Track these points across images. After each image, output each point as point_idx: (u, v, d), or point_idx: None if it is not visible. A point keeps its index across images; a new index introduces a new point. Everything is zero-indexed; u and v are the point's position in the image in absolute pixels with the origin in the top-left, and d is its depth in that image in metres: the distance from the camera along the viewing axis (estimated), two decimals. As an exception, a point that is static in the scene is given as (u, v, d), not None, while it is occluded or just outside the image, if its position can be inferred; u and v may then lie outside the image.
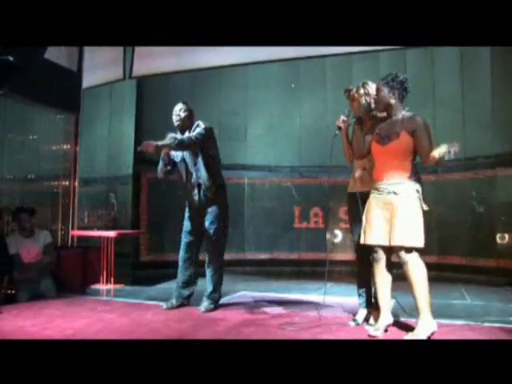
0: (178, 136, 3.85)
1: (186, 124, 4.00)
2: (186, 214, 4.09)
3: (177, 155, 4.05)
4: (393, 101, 3.09)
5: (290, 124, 7.80)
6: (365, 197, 3.23)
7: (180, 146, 3.77)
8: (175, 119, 4.01)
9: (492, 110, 6.23)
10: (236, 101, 7.70)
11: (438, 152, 2.73)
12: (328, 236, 7.19)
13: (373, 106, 3.36)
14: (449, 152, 2.69)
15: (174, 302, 4.02)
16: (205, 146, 3.91)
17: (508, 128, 5.97)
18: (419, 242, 2.90)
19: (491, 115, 6.23)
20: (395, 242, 2.93)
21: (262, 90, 7.75)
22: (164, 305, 4.03)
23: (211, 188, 3.93)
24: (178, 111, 4.01)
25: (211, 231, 3.93)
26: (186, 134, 3.92)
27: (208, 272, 4.00)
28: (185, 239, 4.06)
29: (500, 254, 5.99)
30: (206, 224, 3.94)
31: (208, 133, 3.92)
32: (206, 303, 3.93)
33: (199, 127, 3.92)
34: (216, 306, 3.98)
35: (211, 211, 3.93)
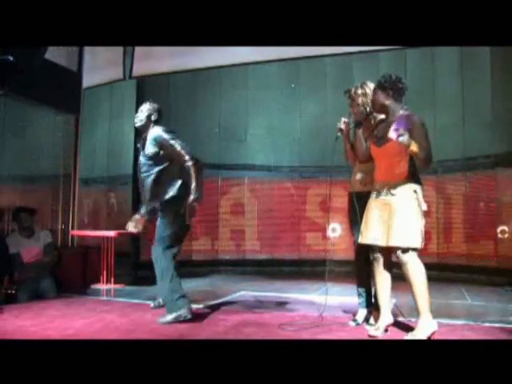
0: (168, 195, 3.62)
1: (146, 124, 3.78)
2: None
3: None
4: (387, 101, 3.09)
5: (289, 124, 7.81)
6: (365, 197, 3.23)
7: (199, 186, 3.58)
8: (135, 120, 3.80)
9: (492, 110, 6.23)
10: (236, 101, 7.71)
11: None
12: (328, 235, 7.20)
13: (368, 108, 3.36)
14: (397, 136, 2.80)
15: (160, 300, 3.97)
16: (160, 160, 3.66)
17: (508, 128, 5.98)
18: (416, 242, 2.90)
19: (491, 115, 6.23)
20: (392, 243, 2.93)
21: (262, 90, 7.75)
22: (151, 303, 4.05)
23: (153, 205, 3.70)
24: (139, 111, 3.81)
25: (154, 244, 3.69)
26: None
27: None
28: None
29: (500, 254, 6.00)
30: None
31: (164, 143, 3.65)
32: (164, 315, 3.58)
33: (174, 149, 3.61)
34: (170, 320, 3.48)
35: (158, 224, 3.69)
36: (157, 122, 3.80)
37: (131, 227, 3.74)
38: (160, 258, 3.57)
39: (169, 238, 3.61)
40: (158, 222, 3.67)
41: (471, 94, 6.49)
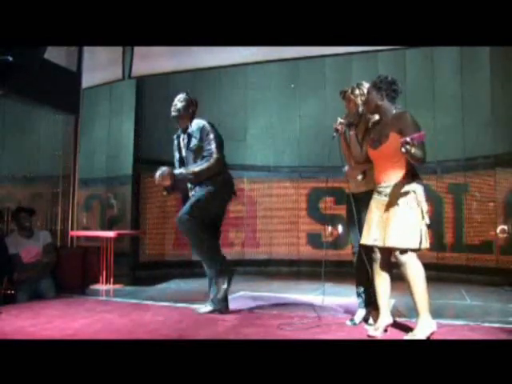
0: (196, 168, 3.67)
1: (184, 115, 3.79)
2: None
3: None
4: (381, 102, 3.08)
5: (289, 124, 7.81)
6: (362, 198, 3.25)
7: (200, 177, 3.67)
8: (172, 109, 3.79)
9: (491, 110, 6.24)
10: (236, 101, 7.71)
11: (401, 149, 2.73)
12: (325, 235, 7.20)
13: (360, 109, 3.36)
14: (404, 144, 2.67)
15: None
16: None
17: (508, 128, 5.98)
18: (414, 243, 2.89)
19: (491, 115, 6.24)
20: (389, 244, 2.93)
21: (262, 90, 7.76)
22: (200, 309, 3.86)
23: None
24: (176, 101, 3.79)
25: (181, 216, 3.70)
26: (198, 163, 3.69)
27: (207, 273, 3.81)
28: None
29: (499, 254, 6.00)
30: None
31: (220, 142, 3.75)
32: (208, 306, 3.74)
33: (209, 141, 3.67)
34: (218, 308, 3.69)
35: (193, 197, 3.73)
36: (193, 115, 3.78)
37: (158, 178, 3.67)
38: (189, 228, 3.61)
39: (198, 209, 3.63)
40: (195, 195, 3.70)
41: (471, 94, 6.50)
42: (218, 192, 3.73)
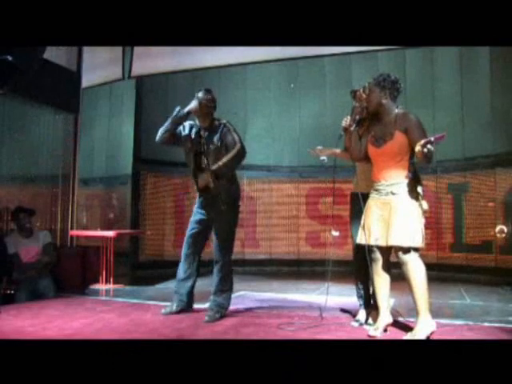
0: (225, 159, 3.55)
1: (207, 113, 3.67)
2: (197, 205, 3.80)
3: (183, 129, 3.73)
4: (384, 101, 3.08)
5: (289, 124, 7.81)
6: (367, 198, 3.23)
7: (230, 167, 3.60)
8: (195, 108, 3.65)
9: (491, 110, 6.24)
10: (235, 101, 7.71)
11: (417, 149, 2.73)
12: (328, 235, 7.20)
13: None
14: (424, 146, 2.66)
15: (174, 307, 3.78)
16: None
17: (507, 128, 5.98)
18: (417, 241, 2.89)
19: (490, 115, 6.24)
20: (393, 242, 2.92)
21: (262, 90, 7.76)
22: (163, 310, 3.82)
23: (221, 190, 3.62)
24: (199, 99, 3.65)
25: (220, 232, 3.68)
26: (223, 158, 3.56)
27: (216, 275, 3.71)
28: (191, 230, 3.77)
29: (499, 253, 6.01)
30: (217, 225, 3.70)
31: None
32: (210, 312, 3.59)
33: (231, 133, 3.59)
34: (223, 314, 3.63)
35: (223, 212, 3.61)
36: (213, 113, 3.73)
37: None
38: (228, 266, 3.68)
39: (233, 236, 3.72)
40: (221, 221, 3.65)
41: (470, 94, 6.50)
42: (237, 213, 3.75)
